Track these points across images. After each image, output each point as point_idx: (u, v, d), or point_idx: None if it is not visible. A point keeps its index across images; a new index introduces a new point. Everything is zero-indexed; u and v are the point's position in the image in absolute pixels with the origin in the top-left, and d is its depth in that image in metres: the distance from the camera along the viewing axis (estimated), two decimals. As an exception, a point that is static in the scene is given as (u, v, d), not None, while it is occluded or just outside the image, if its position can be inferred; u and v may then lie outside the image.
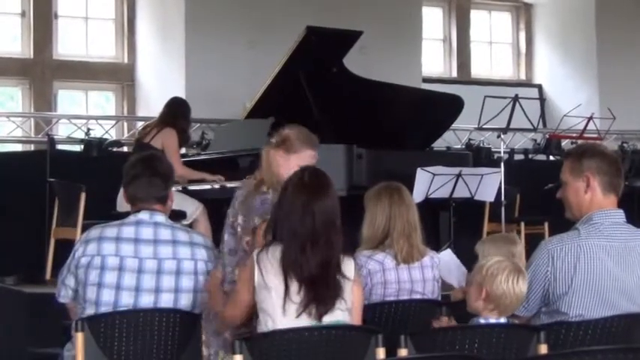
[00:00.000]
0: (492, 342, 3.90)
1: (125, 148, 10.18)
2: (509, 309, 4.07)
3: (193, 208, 7.90)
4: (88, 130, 10.11)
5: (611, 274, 4.13)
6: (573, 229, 4.25)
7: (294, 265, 3.89)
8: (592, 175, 4.23)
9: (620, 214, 4.26)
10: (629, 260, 4.17)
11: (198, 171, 8.33)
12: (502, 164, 9.01)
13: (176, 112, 8.35)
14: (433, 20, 13.18)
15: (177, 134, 8.18)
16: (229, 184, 8.07)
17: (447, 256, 5.59)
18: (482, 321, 4.06)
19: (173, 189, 4.78)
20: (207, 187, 8.24)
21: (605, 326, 4.04)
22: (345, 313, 3.96)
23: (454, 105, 9.12)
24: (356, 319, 4.08)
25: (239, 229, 4.77)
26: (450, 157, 9.61)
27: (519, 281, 4.03)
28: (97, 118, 10.79)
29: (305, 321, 3.87)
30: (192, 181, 8.32)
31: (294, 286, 3.87)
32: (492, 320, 4.05)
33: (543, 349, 3.89)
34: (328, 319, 3.90)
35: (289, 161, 4.80)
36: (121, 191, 7.16)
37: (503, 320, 4.07)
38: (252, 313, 4.03)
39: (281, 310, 3.87)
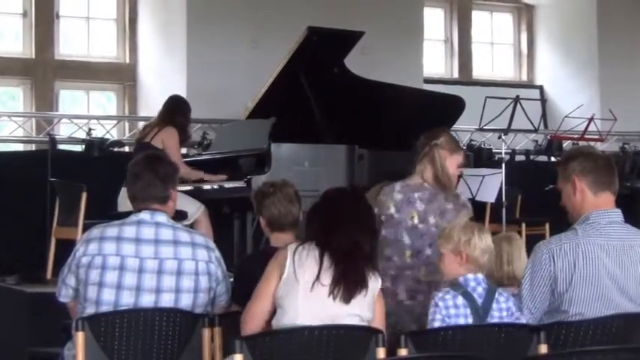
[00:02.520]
0: (492, 342, 3.90)
1: (126, 148, 10.18)
2: (475, 264, 4.21)
3: (194, 209, 7.89)
4: (90, 130, 10.11)
5: (609, 272, 4.14)
6: (571, 229, 4.27)
7: (325, 239, 4.06)
8: (577, 176, 4.25)
9: (617, 214, 4.26)
10: (627, 259, 4.19)
11: (199, 171, 8.32)
12: (503, 165, 9.00)
13: (175, 110, 8.31)
14: (435, 21, 13.18)
15: (178, 132, 8.16)
16: (227, 184, 8.08)
17: None
18: (461, 279, 4.19)
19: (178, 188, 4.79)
20: (209, 187, 8.23)
21: (605, 326, 4.05)
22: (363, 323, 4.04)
23: (455, 106, 9.12)
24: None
25: (432, 230, 5.13)
26: (451, 158, 9.59)
27: (483, 235, 4.26)
28: (98, 118, 10.78)
29: (329, 308, 3.95)
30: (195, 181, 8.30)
31: (326, 261, 4.00)
32: (471, 275, 4.18)
33: (543, 349, 3.90)
34: (347, 313, 3.97)
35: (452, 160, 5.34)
36: (122, 191, 7.23)
37: (480, 275, 4.19)
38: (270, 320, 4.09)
39: (305, 298, 3.95)
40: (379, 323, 4.14)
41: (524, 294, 4.24)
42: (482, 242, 4.22)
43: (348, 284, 3.99)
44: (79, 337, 4.05)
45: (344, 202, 4.20)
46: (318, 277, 3.98)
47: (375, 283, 4.08)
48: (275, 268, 4.09)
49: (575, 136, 10.52)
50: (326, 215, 4.17)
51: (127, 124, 11.21)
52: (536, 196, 10.03)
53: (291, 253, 4.06)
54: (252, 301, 4.13)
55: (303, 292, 3.97)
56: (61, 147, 9.96)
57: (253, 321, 4.09)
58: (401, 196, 5.27)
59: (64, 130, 10.66)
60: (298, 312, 3.95)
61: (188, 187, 8.16)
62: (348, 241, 4.05)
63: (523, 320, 4.18)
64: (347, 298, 3.99)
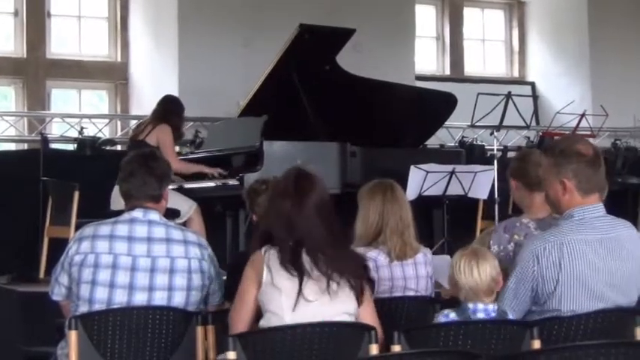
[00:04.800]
0: (486, 338, 3.91)
1: (119, 147, 10.18)
2: (481, 293, 4.09)
3: (187, 207, 7.90)
4: (82, 128, 10.10)
5: (596, 266, 4.14)
6: (555, 226, 4.26)
7: (289, 260, 3.94)
8: (568, 179, 4.20)
9: (599, 207, 4.25)
10: (613, 251, 4.18)
11: (195, 164, 8.32)
12: (495, 162, 9.01)
13: (169, 110, 8.36)
14: (426, 18, 13.19)
15: (172, 130, 8.19)
16: (219, 182, 8.08)
17: (443, 260, 5.58)
18: (470, 305, 4.09)
19: (169, 187, 4.79)
20: (202, 185, 8.23)
21: (597, 321, 4.06)
22: (351, 318, 4.01)
23: (447, 102, 9.14)
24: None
25: None
26: (443, 155, 9.62)
27: (476, 264, 4.10)
28: (90, 116, 10.77)
29: (317, 313, 3.90)
30: (191, 176, 8.28)
31: (305, 282, 3.92)
32: (480, 305, 4.08)
33: (536, 344, 3.91)
34: (335, 313, 3.94)
35: None
36: (115, 189, 7.22)
37: (491, 306, 4.09)
38: (258, 318, 4.05)
39: (291, 310, 3.90)
40: (370, 316, 4.09)
41: (509, 292, 4.22)
42: (469, 270, 4.10)
43: (330, 297, 3.94)
44: (72, 335, 4.04)
45: (293, 207, 4.04)
46: (301, 295, 3.91)
47: (356, 276, 4.03)
48: (251, 274, 4.03)
49: (567, 132, 10.55)
50: (285, 224, 4.03)
51: (119, 123, 11.20)
52: (528, 193, 10.02)
53: (264, 259, 3.99)
54: (237, 306, 4.09)
55: (286, 303, 3.91)
56: (53, 146, 9.96)
57: (241, 324, 4.04)
58: None
59: (56, 129, 10.65)
60: (287, 318, 3.90)
61: (181, 185, 8.16)
62: (315, 250, 3.98)
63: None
64: (331, 300, 3.95)
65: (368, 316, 4.08)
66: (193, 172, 8.27)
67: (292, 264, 3.94)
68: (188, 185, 8.27)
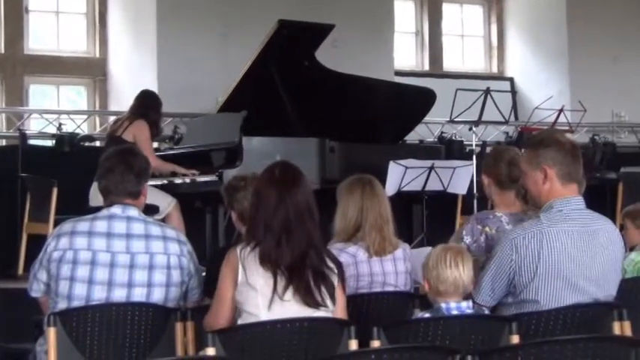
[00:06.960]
0: (465, 333, 3.92)
1: (97, 143, 10.15)
2: (453, 289, 4.09)
3: (166, 203, 7.88)
4: (60, 124, 10.06)
5: (574, 258, 4.17)
6: (535, 217, 4.29)
7: (271, 258, 3.91)
8: (549, 166, 4.26)
9: (579, 200, 4.29)
10: (591, 245, 4.22)
11: (170, 163, 8.31)
12: (474, 157, 9.03)
13: (146, 104, 8.31)
14: (405, 13, 13.19)
15: (149, 126, 8.15)
16: (200, 179, 8.07)
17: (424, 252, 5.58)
18: (443, 305, 4.09)
19: (149, 182, 4.79)
20: (180, 181, 8.21)
21: (575, 315, 4.08)
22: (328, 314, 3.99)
23: (426, 98, 9.15)
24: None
25: None
26: (422, 150, 9.65)
27: (462, 260, 4.09)
28: (68, 112, 10.73)
29: (294, 307, 3.88)
30: (172, 174, 8.27)
31: (279, 279, 3.89)
32: (453, 304, 4.09)
33: (515, 339, 3.92)
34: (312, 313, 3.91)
35: None
36: (94, 186, 7.19)
37: (464, 304, 4.11)
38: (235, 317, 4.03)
39: (267, 309, 3.87)
40: (341, 313, 4.08)
41: (486, 280, 4.27)
42: (442, 266, 4.09)
43: (306, 298, 3.92)
44: (51, 332, 4.04)
45: (284, 205, 4.00)
46: (276, 293, 3.88)
47: (332, 275, 4.02)
48: (228, 273, 4.00)
49: (546, 127, 10.58)
50: (266, 224, 3.98)
51: (97, 119, 11.16)
52: (507, 188, 10.04)
53: (239, 257, 3.96)
54: (214, 306, 4.08)
55: (262, 302, 3.90)
56: (32, 142, 9.93)
57: (217, 324, 4.00)
58: None
59: (34, 125, 10.61)
60: (263, 317, 3.89)
61: (160, 182, 8.15)
62: (295, 254, 3.94)
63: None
64: (309, 304, 3.92)
65: (339, 313, 4.07)
66: (167, 172, 8.25)
67: (272, 260, 3.92)
68: (167, 181, 8.24)
